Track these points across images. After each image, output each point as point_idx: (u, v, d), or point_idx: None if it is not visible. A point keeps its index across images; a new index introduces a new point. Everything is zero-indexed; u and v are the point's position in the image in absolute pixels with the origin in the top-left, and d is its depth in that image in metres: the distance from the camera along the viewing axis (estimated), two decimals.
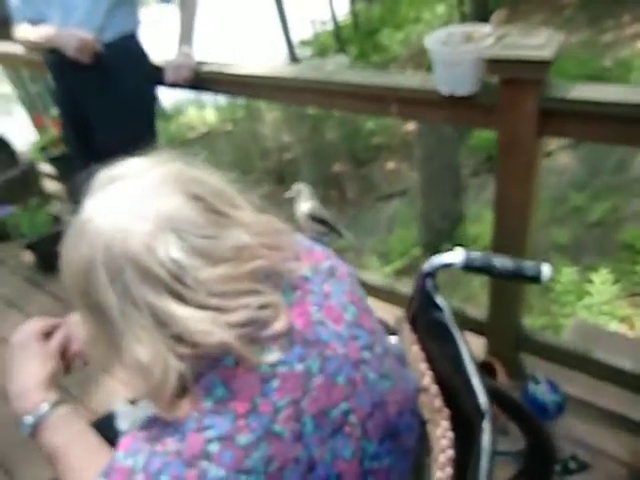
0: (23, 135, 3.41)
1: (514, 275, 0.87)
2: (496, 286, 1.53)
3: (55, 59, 1.76)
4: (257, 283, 0.62)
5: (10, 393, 0.76)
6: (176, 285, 0.57)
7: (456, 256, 0.89)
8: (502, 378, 1.56)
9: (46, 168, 2.98)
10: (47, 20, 1.72)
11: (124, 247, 0.57)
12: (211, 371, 0.60)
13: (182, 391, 0.59)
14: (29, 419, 0.73)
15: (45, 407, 0.73)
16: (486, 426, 0.67)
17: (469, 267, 0.88)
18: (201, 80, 1.82)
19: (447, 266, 0.89)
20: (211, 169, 0.69)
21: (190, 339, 0.57)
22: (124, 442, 0.61)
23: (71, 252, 0.61)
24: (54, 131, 2.68)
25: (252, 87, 1.77)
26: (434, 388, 0.84)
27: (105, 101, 1.79)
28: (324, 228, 1.60)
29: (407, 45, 8.64)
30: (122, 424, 0.91)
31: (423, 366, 0.89)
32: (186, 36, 1.80)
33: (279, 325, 0.62)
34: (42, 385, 0.75)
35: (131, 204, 0.60)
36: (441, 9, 9.70)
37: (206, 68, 1.81)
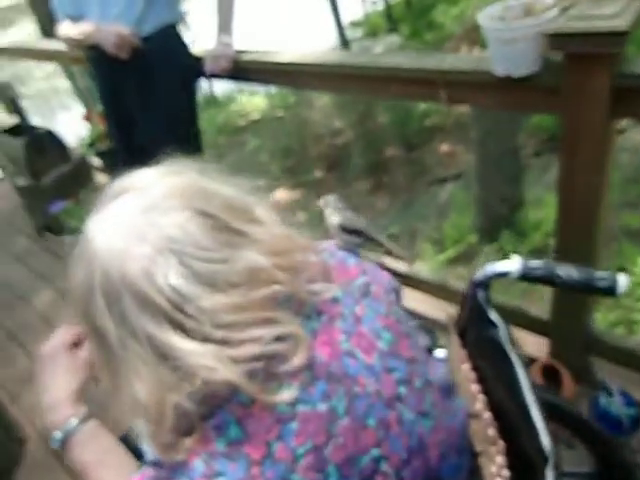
0: (79, 129, 3.49)
1: (582, 287, 0.75)
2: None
3: (96, 55, 1.75)
4: (273, 311, 0.54)
5: (41, 406, 0.74)
6: (177, 315, 0.51)
7: (512, 264, 0.78)
8: (568, 384, 1.43)
9: (97, 161, 3.05)
10: (86, 16, 1.71)
11: (121, 272, 0.52)
12: (224, 408, 0.53)
13: (189, 430, 0.53)
14: (58, 434, 0.71)
15: (74, 422, 0.71)
16: (550, 474, 0.57)
17: (527, 277, 0.77)
18: (241, 70, 1.76)
19: (502, 275, 0.79)
20: (228, 178, 0.62)
21: (193, 375, 0.51)
22: None
23: (72, 273, 0.56)
24: (101, 126, 2.72)
25: (294, 76, 1.69)
26: (487, 415, 0.74)
27: (145, 96, 1.77)
28: (359, 239, 1.48)
29: (462, 22, 8.25)
30: (145, 443, 0.88)
31: (475, 388, 0.79)
32: (225, 25, 1.74)
33: (298, 360, 0.54)
34: (71, 398, 0.73)
35: (131, 223, 0.54)
36: None
37: (246, 57, 1.74)
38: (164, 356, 0.51)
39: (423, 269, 3.94)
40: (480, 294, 0.79)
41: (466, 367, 0.83)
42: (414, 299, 1.92)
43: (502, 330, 0.75)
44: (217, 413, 0.53)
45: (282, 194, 5.99)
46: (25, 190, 2.74)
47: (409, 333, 0.69)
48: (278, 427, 0.52)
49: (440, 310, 1.86)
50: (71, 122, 3.68)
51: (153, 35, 1.70)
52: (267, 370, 0.53)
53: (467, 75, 1.19)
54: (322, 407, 0.54)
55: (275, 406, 0.53)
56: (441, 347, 1.00)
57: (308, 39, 9.91)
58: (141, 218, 0.54)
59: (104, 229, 0.55)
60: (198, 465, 0.51)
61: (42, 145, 2.66)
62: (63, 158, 2.74)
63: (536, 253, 3.80)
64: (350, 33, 10.35)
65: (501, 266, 0.78)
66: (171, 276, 0.51)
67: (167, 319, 0.51)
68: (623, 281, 0.73)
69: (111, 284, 0.52)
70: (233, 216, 0.56)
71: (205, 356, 0.51)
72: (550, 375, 1.50)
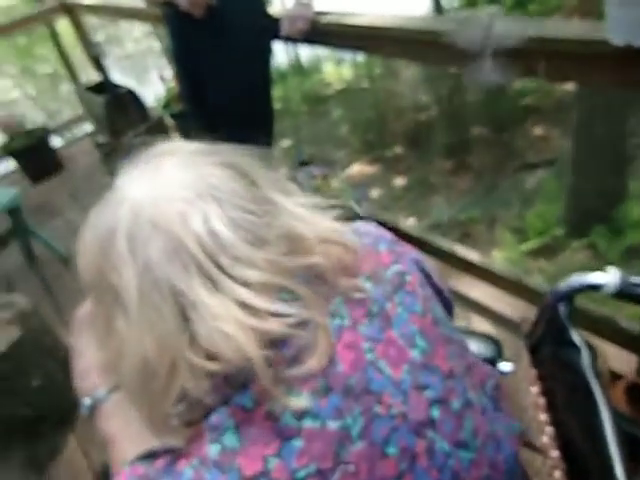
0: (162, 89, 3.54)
1: None
2: None
3: (170, 12, 1.71)
4: (305, 286, 0.49)
5: (73, 371, 0.73)
6: (210, 266, 0.46)
7: (608, 277, 0.63)
8: None
9: (172, 122, 3.07)
10: None
11: (154, 214, 0.47)
12: (224, 408, 0.47)
13: (189, 422, 0.48)
14: (87, 401, 0.69)
15: (102, 391, 0.69)
16: None
17: (626, 294, 0.63)
18: (319, 33, 1.66)
19: (593, 289, 0.65)
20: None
21: (209, 345, 0.45)
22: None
23: (90, 223, 0.52)
24: (176, 87, 2.72)
25: (374, 40, 1.57)
26: (555, 454, 0.62)
27: (219, 57, 1.71)
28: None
29: None
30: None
31: (543, 417, 0.66)
32: None
33: (315, 361, 0.47)
34: (103, 367, 0.70)
35: (168, 173, 0.50)
36: None
37: (325, 19, 1.63)
38: (185, 316, 0.46)
39: (498, 261, 3.73)
40: (562, 309, 0.65)
41: (535, 390, 0.71)
42: (485, 293, 1.79)
43: (585, 356, 0.61)
44: (215, 411, 0.47)
45: (359, 168, 5.87)
46: (104, 147, 2.83)
47: (449, 337, 0.58)
48: (279, 442, 0.45)
49: (514, 308, 1.72)
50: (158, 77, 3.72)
51: None
52: (277, 373, 0.46)
53: (574, 45, 1.01)
54: (333, 425, 0.46)
55: (280, 416, 0.46)
56: (507, 360, 0.87)
57: (401, 5, 9.52)
58: (179, 168, 0.51)
59: (138, 179, 0.51)
60: (187, 472, 0.46)
61: (122, 104, 2.73)
62: (142, 117, 2.80)
63: (632, 253, 3.46)
64: (446, 1, 9.81)
65: (593, 278, 0.64)
66: (212, 220, 0.47)
67: (197, 268, 0.46)
68: None
69: (140, 228, 0.48)
70: (272, 186, 0.53)
71: (228, 320, 0.45)
72: (636, 395, 1.33)
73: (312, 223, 0.53)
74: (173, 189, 0.49)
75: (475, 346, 0.88)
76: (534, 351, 0.74)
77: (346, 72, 8.12)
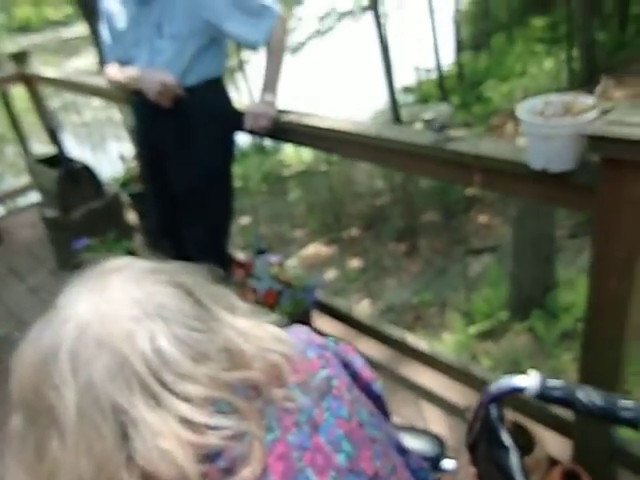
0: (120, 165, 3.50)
1: (604, 415, 0.67)
2: (589, 371, 1.28)
3: (138, 100, 1.77)
4: (242, 399, 0.51)
5: None
6: (153, 383, 0.48)
7: (530, 380, 0.71)
8: None
9: (130, 201, 2.97)
10: (135, 61, 1.74)
11: (100, 333, 0.49)
12: None
13: None
14: None
15: None
16: None
17: (545, 397, 0.70)
18: (280, 130, 1.77)
19: (517, 391, 0.72)
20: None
21: (146, 463, 0.46)
22: None
23: (32, 337, 0.51)
24: (136, 167, 2.67)
25: (332, 142, 1.69)
26: None
27: (182, 146, 1.77)
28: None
29: (510, 99, 8.35)
30: None
31: None
32: (270, 84, 1.76)
33: (249, 472, 0.49)
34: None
35: (116, 291, 0.52)
36: (549, 64, 9.30)
37: (286, 118, 1.76)
38: (124, 433, 0.47)
39: (448, 344, 3.82)
40: (493, 411, 0.72)
41: None
42: (434, 381, 1.83)
43: (513, 456, 0.67)
44: None
45: (316, 248, 5.99)
46: (53, 222, 2.69)
47: (374, 438, 0.62)
48: None
49: (463, 396, 1.76)
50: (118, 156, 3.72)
51: (197, 86, 1.71)
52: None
53: (503, 164, 1.16)
54: None
55: None
56: (450, 457, 0.91)
57: (361, 100, 10.18)
58: (127, 286, 0.53)
59: (85, 296, 0.52)
60: None
61: (76, 179, 2.64)
62: (96, 194, 2.71)
63: (566, 337, 3.65)
64: (402, 97, 10.59)
65: (518, 381, 0.72)
66: (157, 339, 0.49)
67: (140, 385, 0.48)
68: None
69: (85, 347, 0.48)
70: (213, 301, 0.56)
71: (168, 437, 0.47)
72: None
73: (254, 335, 0.56)
74: (121, 307, 0.51)
75: (418, 444, 0.91)
76: (473, 449, 0.80)
77: (305, 155, 8.44)
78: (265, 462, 0.51)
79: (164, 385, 0.48)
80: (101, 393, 0.47)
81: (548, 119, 0.98)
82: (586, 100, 0.99)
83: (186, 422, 0.48)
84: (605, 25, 9.43)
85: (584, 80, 7.68)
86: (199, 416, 0.48)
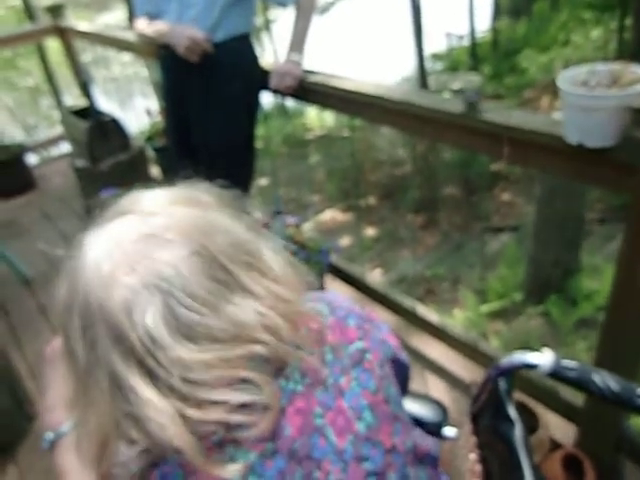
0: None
1: (619, 401, 0.66)
2: (605, 359, 1.25)
3: (166, 54, 1.77)
4: (248, 370, 0.50)
5: (41, 404, 0.74)
6: (147, 358, 0.47)
7: (544, 358, 0.69)
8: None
9: (153, 155, 3.07)
10: (165, 15, 1.73)
11: (102, 298, 0.49)
12: (170, 460, 0.49)
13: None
14: (50, 435, 0.69)
15: (65, 427, 0.69)
16: None
17: (558, 376, 0.68)
18: (305, 90, 1.74)
19: (529, 367, 0.70)
20: (243, 212, 0.58)
21: (144, 426, 0.47)
22: None
23: (59, 287, 0.54)
24: (161, 122, 2.75)
25: (358, 105, 1.65)
26: None
27: (207, 102, 1.77)
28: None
29: (548, 70, 7.99)
30: None
31: None
32: (297, 43, 1.73)
33: (261, 429, 0.49)
34: (69, 402, 0.70)
35: (125, 248, 0.51)
36: (597, 33, 8.66)
37: (312, 79, 1.72)
38: (125, 398, 0.48)
39: (458, 320, 3.81)
40: (502, 384, 0.70)
41: (473, 457, 0.75)
42: (442, 354, 1.84)
43: (518, 431, 0.66)
44: (164, 462, 0.50)
45: (332, 214, 5.96)
46: (82, 172, 2.80)
47: (397, 415, 0.62)
48: None
49: (468, 371, 1.77)
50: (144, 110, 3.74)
51: (225, 42, 1.70)
52: (224, 435, 0.49)
53: (535, 136, 1.11)
54: None
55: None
56: (452, 425, 0.91)
57: (388, 65, 9.92)
58: (136, 246, 0.51)
59: (97, 247, 0.52)
60: None
61: (105, 131, 2.72)
62: (123, 147, 2.79)
63: (583, 324, 3.60)
64: (431, 65, 10.27)
65: (531, 357, 0.70)
66: (149, 315, 0.47)
67: (136, 360, 0.48)
68: None
69: (88, 308, 0.49)
70: (234, 259, 0.52)
71: (162, 412, 0.47)
72: (572, 465, 1.38)
73: (270, 301, 0.53)
74: (124, 273, 0.49)
75: (422, 410, 0.91)
76: (476, 419, 0.79)
77: (328, 119, 8.33)
78: (280, 419, 0.51)
79: (159, 363, 0.48)
80: (102, 356, 0.49)
81: (592, 89, 0.93)
82: (638, 70, 0.93)
83: (184, 398, 0.48)
84: None
85: (636, 51, 7.28)
86: (198, 393, 0.48)
